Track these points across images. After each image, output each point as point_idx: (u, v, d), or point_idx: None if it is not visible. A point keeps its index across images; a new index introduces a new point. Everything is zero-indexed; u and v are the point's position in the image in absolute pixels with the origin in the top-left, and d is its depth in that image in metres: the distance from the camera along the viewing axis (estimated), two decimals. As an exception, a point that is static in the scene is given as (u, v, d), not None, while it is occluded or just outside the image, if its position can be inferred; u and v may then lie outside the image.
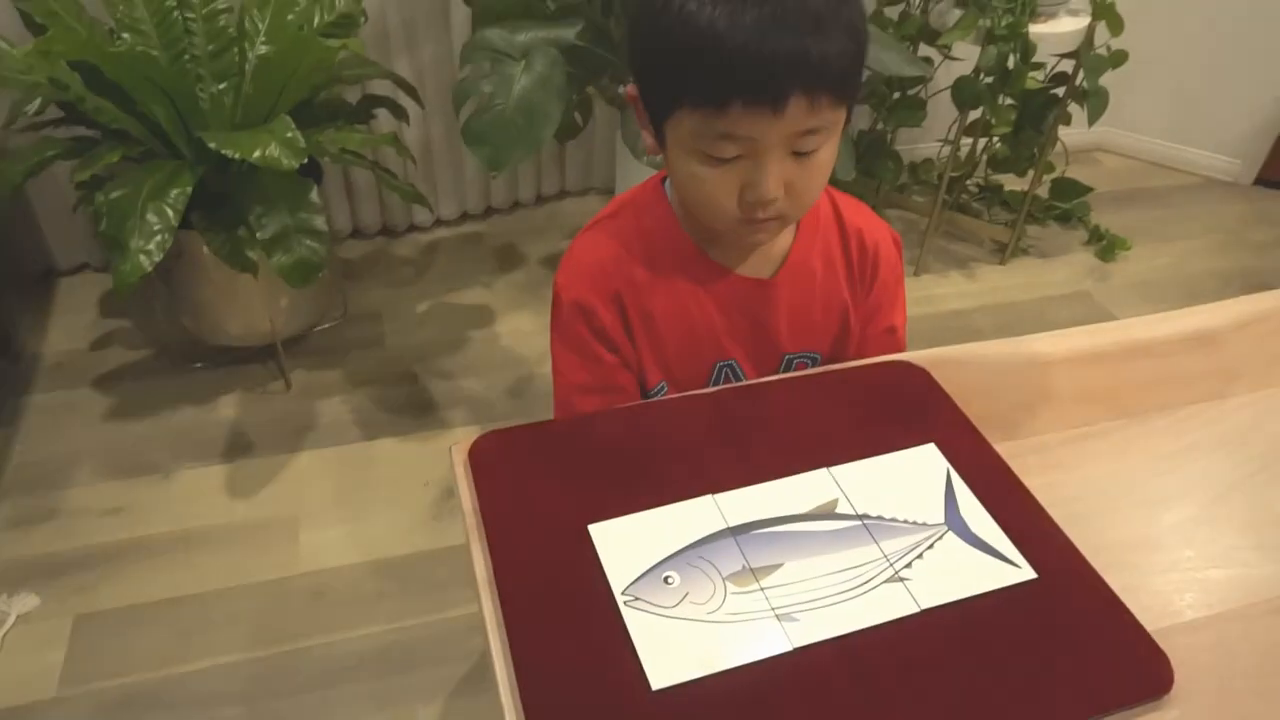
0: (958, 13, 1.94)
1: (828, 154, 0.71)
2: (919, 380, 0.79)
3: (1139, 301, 2.18)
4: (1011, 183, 2.42)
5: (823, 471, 0.69)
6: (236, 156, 1.30)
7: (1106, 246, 2.32)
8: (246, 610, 1.41)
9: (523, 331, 2.00)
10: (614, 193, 2.22)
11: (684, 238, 0.80)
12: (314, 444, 1.70)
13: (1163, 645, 0.59)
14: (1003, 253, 2.29)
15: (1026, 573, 0.62)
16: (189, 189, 1.38)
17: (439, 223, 2.32)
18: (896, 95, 2.15)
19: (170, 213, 1.34)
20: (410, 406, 1.79)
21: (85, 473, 1.62)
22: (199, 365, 1.84)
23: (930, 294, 2.19)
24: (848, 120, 0.72)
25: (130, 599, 1.41)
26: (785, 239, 0.83)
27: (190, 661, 1.33)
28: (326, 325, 1.96)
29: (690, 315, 0.82)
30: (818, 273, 0.85)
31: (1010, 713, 0.55)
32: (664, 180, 0.83)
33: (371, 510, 1.57)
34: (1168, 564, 0.66)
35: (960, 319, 2.12)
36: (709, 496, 0.66)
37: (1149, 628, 0.60)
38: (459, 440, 0.70)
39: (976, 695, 0.55)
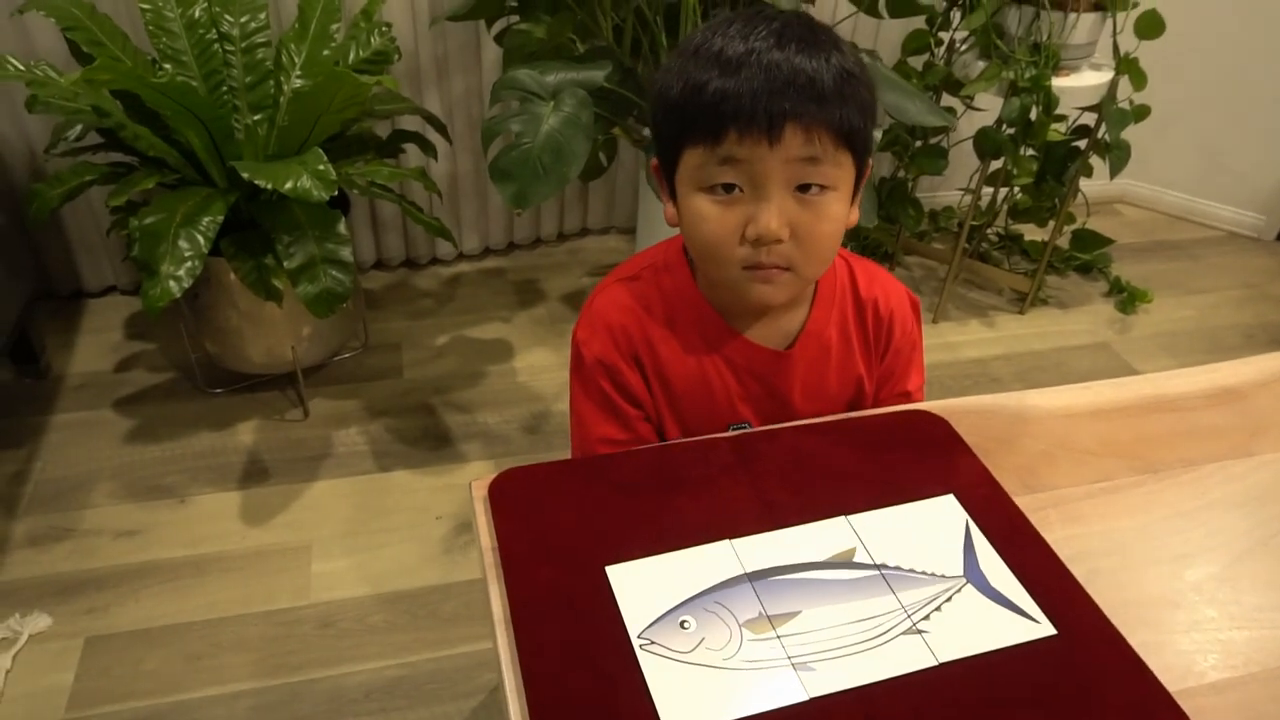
0: (981, 64, 1.97)
1: (837, 206, 0.72)
2: (939, 430, 0.79)
3: (1160, 354, 2.17)
4: (1032, 232, 2.43)
5: (841, 520, 0.69)
6: (268, 187, 1.33)
7: (1127, 298, 2.32)
8: (255, 638, 1.40)
9: (540, 367, 2.01)
10: (635, 232, 2.24)
11: (703, 303, 0.82)
12: (329, 473, 1.70)
13: (1185, 707, 0.58)
14: (1022, 302, 2.29)
15: (1046, 628, 0.62)
16: (220, 217, 1.40)
17: (461, 256, 2.35)
18: (919, 143, 2.17)
19: (201, 240, 1.36)
20: (426, 439, 1.80)
21: (103, 494, 1.63)
22: (219, 391, 1.85)
23: (949, 341, 2.18)
24: (860, 177, 0.74)
25: (141, 622, 1.41)
26: (801, 311, 0.84)
27: (198, 688, 1.33)
28: (347, 355, 1.98)
29: (707, 380, 0.83)
30: (833, 345, 0.86)
31: (1029, 772, 0.54)
32: (684, 245, 0.84)
33: (383, 542, 1.57)
34: (1189, 623, 0.65)
35: (979, 367, 2.11)
36: (727, 541, 0.66)
37: (1170, 688, 0.59)
38: (473, 475, 0.71)
39: (994, 753, 0.54)
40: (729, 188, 0.70)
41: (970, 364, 2.12)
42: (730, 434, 0.78)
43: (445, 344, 2.06)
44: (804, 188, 0.70)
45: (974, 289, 2.37)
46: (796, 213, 0.71)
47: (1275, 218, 2.60)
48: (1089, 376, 0.84)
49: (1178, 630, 0.64)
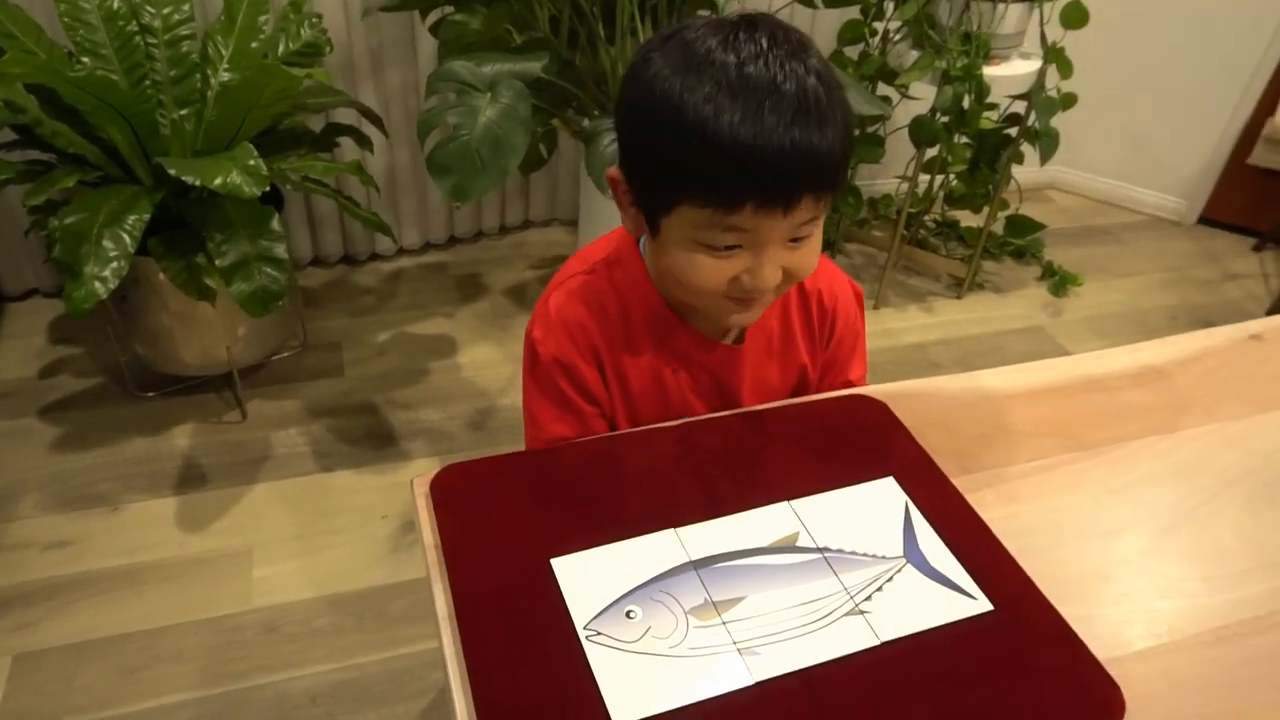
0: (915, 54, 2.00)
1: (818, 237, 0.73)
2: (878, 414, 0.80)
3: (1091, 336, 2.24)
4: (967, 219, 2.49)
5: (784, 505, 0.69)
6: (197, 183, 1.29)
7: (1059, 282, 2.38)
8: (196, 647, 1.37)
9: (484, 363, 1.99)
10: (577, 224, 2.23)
11: (657, 298, 0.81)
12: (269, 475, 1.66)
13: (1115, 675, 0.60)
14: (959, 287, 2.34)
15: (983, 604, 0.63)
16: (147, 215, 1.36)
17: (401, 252, 2.31)
18: (856, 133, 2.20)
19: (127, 239, 1.32)
20: (369, 438, 1.77)
21: (30, 505, 1.57)
22: (152, 394, 1.80)
23: (889, 327, 2.22)
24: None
25: (74, 636, 1.36)
26: None
27: (136, 701, 1.29)
28: (285, 354, 1.93)
29: (661, 375, 0.83)
30: (775, 335, 0.86)
31: (969, 745, 0.55)
32: (640, 239, 0.84)
33: (327, 544, 1.55)
34: (1119, 595, 0.67)
35: (918, 352, 2.15)
36: (671, 530, 0.66)
37: (1101, 657, 0.61)
38: (418, 473, 0.70)
39: (936, 728, 0.56)
40: (730, 247, 0.70)
41: (910, 349, 2.16)
42: (673, 424, 0.78)
43: (386, 341, 2.03)
44: (798, 237, 0.71)
45: (913, 275, 2.42)
46: (789, 257, 0.71)
47: (1196, 202, 2.70)
48: (1025, 359, 0.87)
49: (1108, 602, 0.66)
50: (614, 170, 0.74)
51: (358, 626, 1.41)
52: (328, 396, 1.86)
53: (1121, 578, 0.68)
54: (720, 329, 0.83)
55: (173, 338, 1.66)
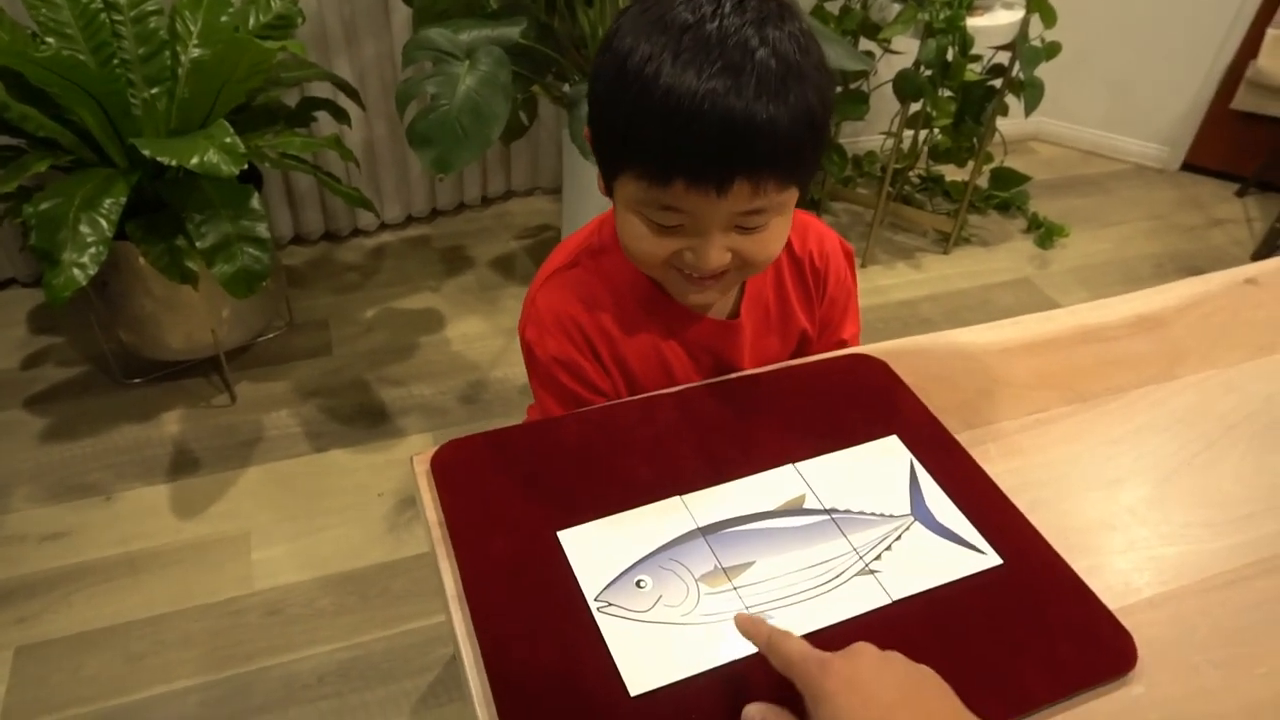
0: (897, 7, 1.97)
1: (778, 227, 0.70)
2: (878, 373, 0.80)
3: (1078, 287, 2.24)
4: (952, 173, 2.48)
5: (789, 468, 0.69)
6: (172, 164, 1.26)
7: (1045, 234, 2.38)
8: (200, 632, 1.36)
9: (473, 336, 1.98)
10: (561, 192, 2.21)
11: (647, 283, 0.79)
12: (262, 458, 1.65)
13: (1125, 623, 0.60)
14: (946, 242, 2.33)
15: (992, 559, 0.63)
16: (123, 199, 1.33)
17: (384, 226, 2.29)
18: (839, 89, 2.18)
19: (104, 224, 1.29)
20: (361, 416, 1.76)
21: (22, 497, 1.55)
22: (139, 381, 1.78)
23: (877, 285, 2.22)
24: (803, 194, 0.71)
25: (76, 627, 1.36)
26: None
27: (143, 688, 1.28)
28: (271, 335, 1.91)
29: (663, 358, 0.82)
30: (771, 305, 0.85)
31: (983, 698, 0.55)
32: None
33: (325, 524, 1.54)
34: (1125, 544, 0.67)
35: (908, 308, 2.15)
36: (677, 498, 0.66)
37: (1111, 607, 0.61)
38: (413, 450, 0.69)
39: (950, 683, 0.56)
40: (672, 225, 0.67)
41: (900, 306, 2.16)
42: (672, 390, 0.77)
43: (374, 317, 2.01)
44: (745, 226, 0.68)
45: (899, 232, 2.41)
46: (739, 242, 0.68)
47: (1179, 149, 2.70)
48: (1013, 312, 0.86)
49: (1115, 551, 0.66)
50: (586, 130, 0.73)
51: (360, 605, 1.41)
52: (317, 376, 1.84)
53: (1127, 527, 0.68)
54: (715, 305, 0.82)
55: (157, 323, 1.64)
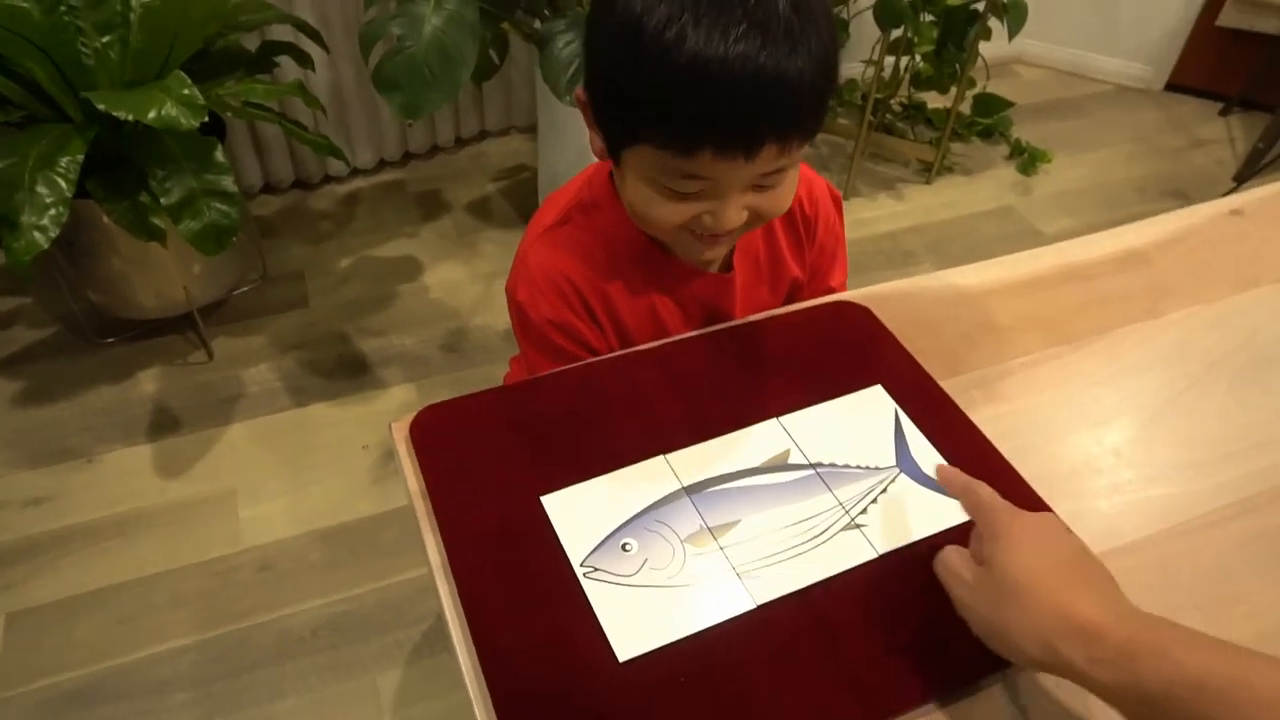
0: (876, -72, 1.91)
1: (792, 179, 0.68)
2: (862, 320, 0.79)
3: (1060, 214, 2.23)
4: (934, 100, 2.43)
5: (773, 422, 0.68)
6: (129, 118, 1.21)
7: (1028, 160, 2.35)
8: (191, 592, 1.37)
9: (453, 282, 1.95)
10: (536, 131, 2.15)
11: (642, 238, 0.77)
12: (244, 414, 1.64)
13: (1112, 568, 0.60)
14: (929, 172, 2.31)
15: (978, 509, 0.63)
16: (80, 156, 1.28)
17: (356, 172, 2.23)
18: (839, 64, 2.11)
19: (63, 183, 1.25)
20: (342, 368, 1.74)
21: (0, 463, 1.53)
22: (112, 340, 1.75)
23: (860, 217, 2.19)
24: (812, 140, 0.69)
25: (66, 591, 1.36)
26: None
27: (136, 650, 1.29)
28: (245, 288, 1.87)
29: (657, 314, 0.80)
30: (761, 255, 0.84)
31: (970, 650, 0.55)
32: (611, 174, 0.79)
33: (311, 479, 1.54)
34: (1110, 487, 0.67)
35: (890, 241, 2.13)
36: (661, 457, 0.65)
37: (1097, 551, 0.61)
38: (397, 401, 0.69)
39: (937, 637, 0.56)
40: (690, 191, 0.65)
41: (882, 238, 2.14)
42: (653, 345, 0.76)
43: (349, 267, 1.98)
44: (765, 185, 0.66)
45: (881, 162, 2.38)
46: (755, 200, 0.66)
47: (1163, 68, 2.65)
48: (996, 242, 0.85)
49: (1100, 495, 0.67)
50: (580, 90, 0.69)
51: (351, 559, 1.42)
52: (295, 329, 1.82)
53: (1112, 470, 0.69)
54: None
55: (126, 281, 1.60)
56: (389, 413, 1.65)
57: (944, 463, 0.66)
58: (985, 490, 0.57)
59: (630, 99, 0.61)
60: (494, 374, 1.73)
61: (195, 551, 1.42)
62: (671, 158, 0.61)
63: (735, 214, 0.66)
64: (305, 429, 1.62)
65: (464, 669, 0.54)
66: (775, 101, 0.58)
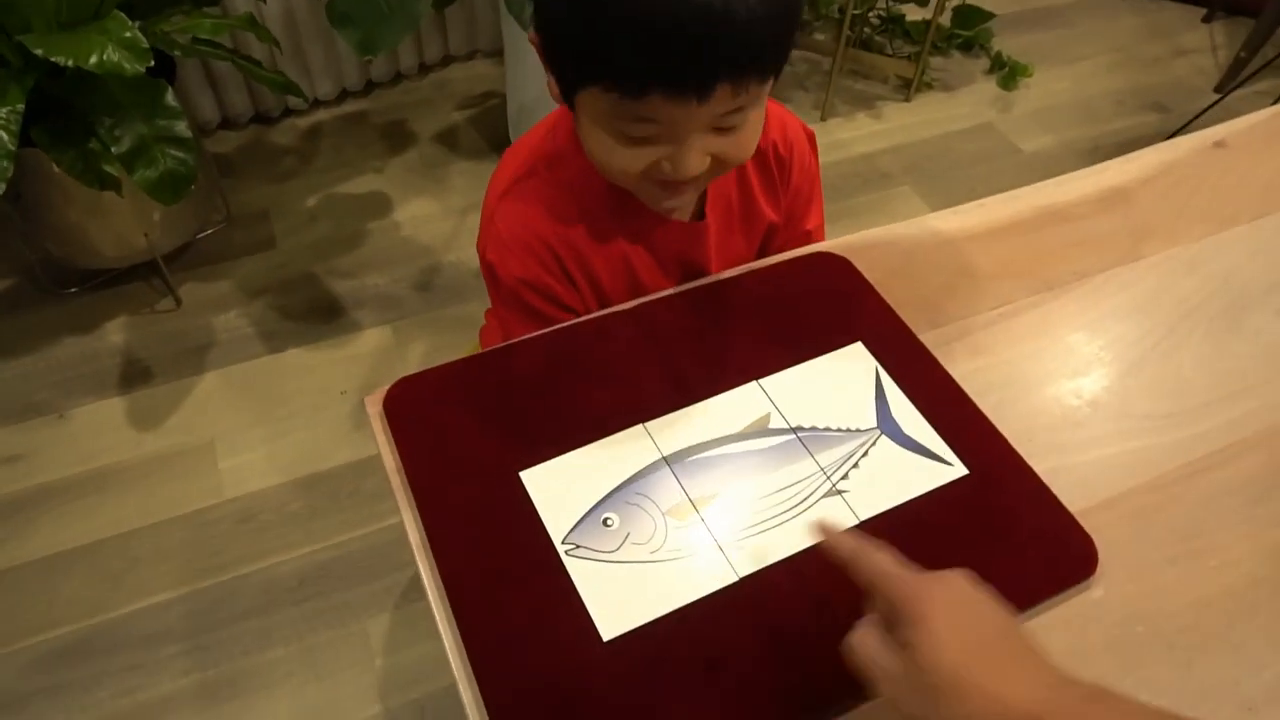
0: None
1: (755, 121, 0.65)
2: (842, 272, 0.77)
3: (1039, 131, 2.19)
4: (913, 13, 2.36)
5: (752, 385, 0.68)
6: (70, 64, 1.15)
7: (1008, 74, 2.30)
8: (173, 545, 1.37)
9: (423, 218, 1.90)
10: (502, 55, 2.07)
11: (608, 189, 0.74)
12: (217, 363, 1.61)
13: (1088, 525, 0.61)
14: (908, 89, 2.25)
15: (959, 470, 0.63)
16: (20, 105, 1.22)
17: (317, 104, 2.14)
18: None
19: (4, 135, 1.19)
20: (314, 312, 1.71)
21: (-31, 420, 1.51)
22: (75, 290, 1.70)
23: (837, 139, 2.15)
24: (778, 79, 0.65)
25: (47, 549, 1.35)
26: None
27: (123, 604, 1.30)
28: (209, 231, 1.82)
29: (631, 267, 0.78)
30: (734, 202, 0.81)
31: (950, 614, 0.56)
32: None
33: (289, 427, 1.52)
34: (1089, 441, 0.68)
35: (867, 163, 2.09)
36: (640, 426, 0.65)
37: (1075, 508, 0.62)
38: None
39: (917, 602, 0.57)
40: (645, 137, 0.62)
41: (859, 160, 2.10)
42: (629, 305, 0.74)
43: (316, 206, 1.92)
44: (724, 126, 0.63)
45: (859, 79, 2.32)
46: (717, 144, 0.63)
47: (1146, -28, 2.58)
48: (975, 161, 0.83)
49: (1078, 450, 0.67)
50: (533, 33, 0.66)
51: (333, 507, 1.42)
52: (263, 272, 1.77)
53: (1091, 423, 0.69)
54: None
55: (83, 230, 1.55)
56: (364, 356, 1.63)
57: (926, 425, 0.65)
58: (882, 559, 0.50)
59: (575, 42, 0.59)
60: (469, 313, 1.71)
61: (176, 504, 1.41)
62: (619, 100, 0.59)
63: (695, 160, 0.63)
64: (280, 376, 1.60)
65: (449, 651, 0.54)
66: (725, 39, 0.55)
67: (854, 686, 0.53)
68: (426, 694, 1.23)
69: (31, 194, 1.46)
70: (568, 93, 0.65)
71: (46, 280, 1.69)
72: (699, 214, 0.79)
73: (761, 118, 0.66)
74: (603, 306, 0.79)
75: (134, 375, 1.58)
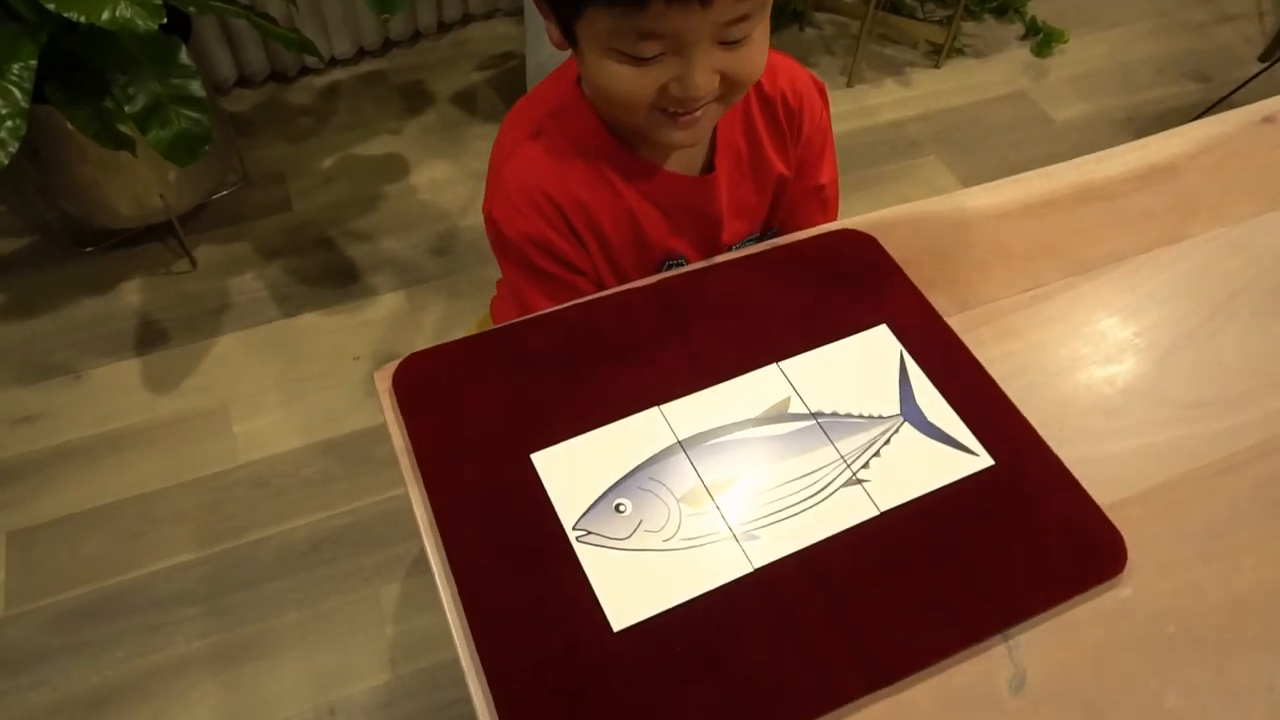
0: None
1: (761, 32, 0.64)
2: (868, 251, 0.74)
3: (1074, 99, 2.12)
4: (946, -26, 2.28)
5: (772, 368, 0.65)
6: (82, 20, 1.12)
7: (1043, 40, 2.23)
8: (190, 508, 1.37)
9: (440, 181, 1.87)
10: (523, 13, 2.03)
11: (614, 143, 0.74)
12: (232, 325, 1.61)
13: (1117, 519, 0.59)
14: (938, 55, 2.19)
15: (984, 460, 0.61)
16: (33, 61, 1.20)
17: (334, 63, 2.11)
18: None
19: (17, 93, 1.17)
20: (329, 275, 1.69)
21: (-13, 379, 1.51)
22: (91, 250, 1.69)
23: (864, 105, 2.09)
24: None
25: (65, 509, 1.36)
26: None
27: (141, 565, 1.31)
28: (225, 192, 1.80)
29: (637, 223, 0.77)
30: (744, 153, 0.80)
31: (972, 609, 0.54)
32: (579, 79, 0.74)
33: (303, 391, 1.52)
34: (1123, 430, 0.65)
35: (895, 131, 2.04)
36: (655, 409, 0.63)
37: (1104, 501, 0.60)
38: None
39: (938, 596, 0.55)
40: (651, 55, 0.61)
41: (887, 128, 2.05)
42: (649, 281, 0.72)
43: (332, 167, 1.90)
44: (730, 38, 0.62)
45: (888, 44, 2.25)
46: (724, 60, 0.62)
47: (1192, -67, 2.48)
48: (1006, 130, 0.80)
49: (1111, 440, 0.64)
50: None
51: (347, 472, 1.42)
52: (279, 234, 1.76)
53: (1125, 411, 0.66)
54: (680, 157, 0.76)
55: (100, 189, 1.54)
56: (379, 322, 1.62)
57: (951, 412, 0.63)
58: None
59: None
60: (485, 278, 1.69)
61: (191, 468, 1.41)
62: (621, 14, 0.58)
63: (704, 76, 0.62)
64: (295, 340, 1.59)
65: (457, 641, 0.53)
66: None
67: (868, 681, 0.52)
68: (437, 663, 1.23)
69: (47, 152, 1.45)
70: (567, 26, 0.64)
71: (64, 238, 1.69)
72: (709, 166, 0.78)
73: (767, 35, 0.65)
74: (611, 265, 0.78)
75: (150, 337, 1.58)
